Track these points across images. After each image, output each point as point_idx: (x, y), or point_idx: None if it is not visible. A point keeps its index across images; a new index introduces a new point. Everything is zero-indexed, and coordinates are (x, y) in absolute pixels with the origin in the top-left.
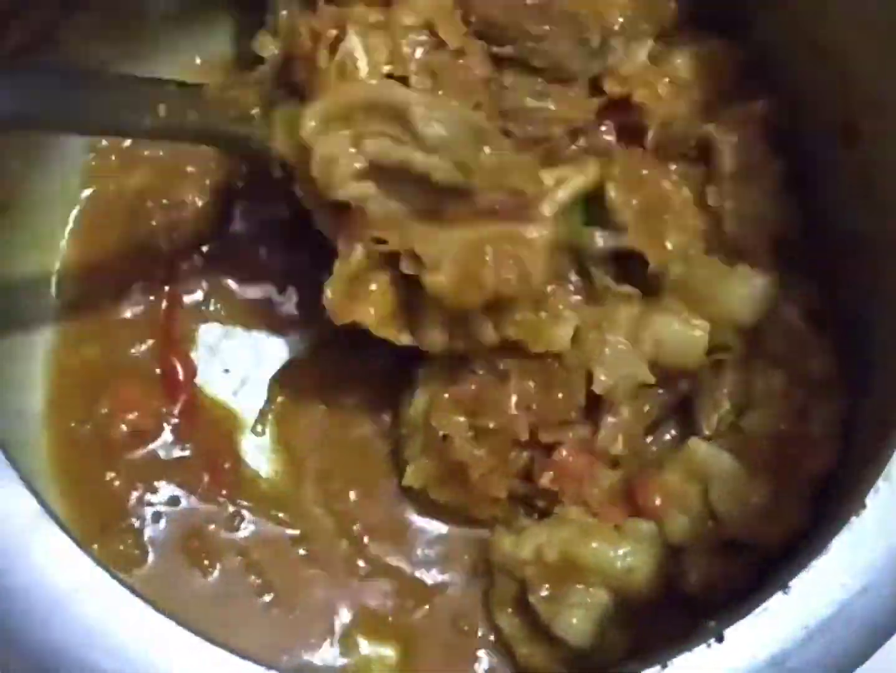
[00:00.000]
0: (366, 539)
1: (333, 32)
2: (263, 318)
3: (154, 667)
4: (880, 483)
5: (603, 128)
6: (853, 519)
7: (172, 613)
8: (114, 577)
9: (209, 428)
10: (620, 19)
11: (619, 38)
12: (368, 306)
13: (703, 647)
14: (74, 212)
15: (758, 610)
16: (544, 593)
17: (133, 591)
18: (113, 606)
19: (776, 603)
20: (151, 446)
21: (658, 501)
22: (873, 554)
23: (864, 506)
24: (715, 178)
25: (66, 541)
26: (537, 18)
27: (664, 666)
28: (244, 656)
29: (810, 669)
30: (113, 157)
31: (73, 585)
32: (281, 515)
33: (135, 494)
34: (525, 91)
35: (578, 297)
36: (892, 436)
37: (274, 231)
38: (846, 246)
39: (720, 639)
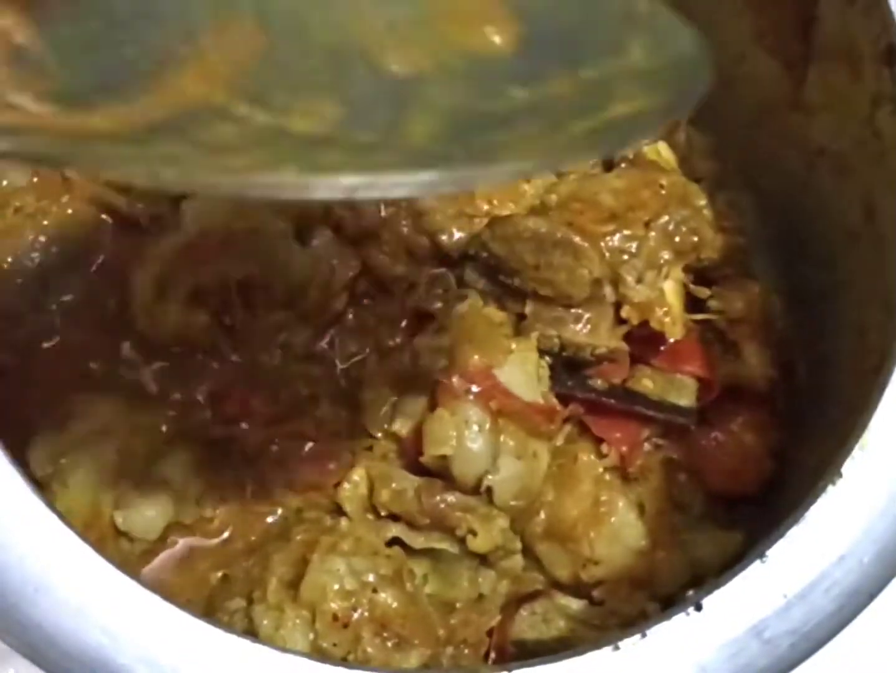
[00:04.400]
0: None
1: None
2: None
3: (144, 644)
4: (856, 452)
5: None
6: (830, 488)
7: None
8: (100, 554)
9: None
10: (632, 247)
11: (630, 266)
12: None
13: (681, 615)
14: None
15: (736, 579)
16: None
17: (120, 568)
18: (100, 584)
19: (754, 572)
20: None
21: None
22: (850, 522)
23: (840, 475)
24: None
25: (54, 519)
26: (533, 250)
27: (643, 635)
28: (231, 632)
29: (789, 637)
30: None
31: (59, 563)
32: None
33: None
34: (543, 321)
35: None
36: (867, 404)
37: None
38: None
39: (699, 608)
